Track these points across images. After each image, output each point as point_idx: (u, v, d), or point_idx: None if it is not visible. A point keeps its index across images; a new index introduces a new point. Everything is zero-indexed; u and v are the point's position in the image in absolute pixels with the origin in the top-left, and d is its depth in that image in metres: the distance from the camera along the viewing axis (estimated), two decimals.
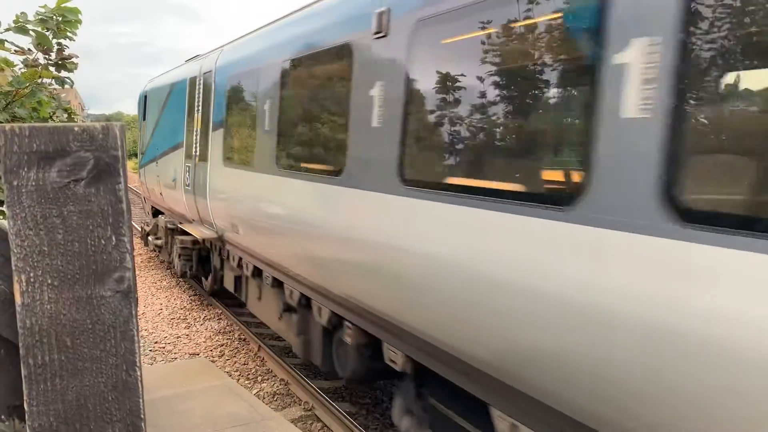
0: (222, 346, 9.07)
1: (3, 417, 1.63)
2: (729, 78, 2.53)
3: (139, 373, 1.55)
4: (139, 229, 16.13)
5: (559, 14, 3.20)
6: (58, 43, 6.89)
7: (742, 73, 2.49)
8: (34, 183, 1.47)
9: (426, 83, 4.29)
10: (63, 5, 6.34)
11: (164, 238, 12.41)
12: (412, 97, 4.39)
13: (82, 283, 1.50)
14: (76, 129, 1.49)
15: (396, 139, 4.47)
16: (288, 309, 7.10)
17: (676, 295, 2.50)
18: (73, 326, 1.50)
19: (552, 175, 3.24)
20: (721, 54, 2.50)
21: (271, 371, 8.15)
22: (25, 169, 1.46)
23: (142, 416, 1.55)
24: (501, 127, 3.70)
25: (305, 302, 6.49)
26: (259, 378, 7.96)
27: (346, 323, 5.59)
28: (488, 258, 3.53)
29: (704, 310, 2.40)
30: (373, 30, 4.84)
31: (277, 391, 7.55)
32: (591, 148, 2.92)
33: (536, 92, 3.42)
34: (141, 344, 8.58)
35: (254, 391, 7.44)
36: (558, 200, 3.10)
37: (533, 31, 3.35)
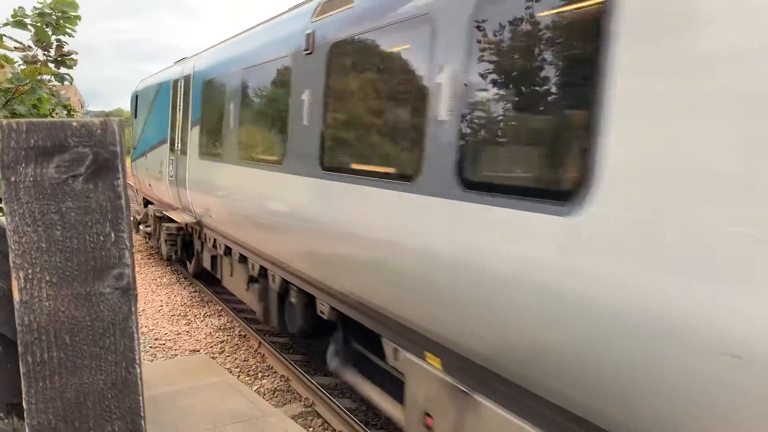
0: (222, 342, 9.06)
1: (2, 415, 1.62)
2: (489, 93, 3.72)
3: (138, 371, 1.53)
4: (132, 218, 16.46)
5: (406, 46, 4.57)
6: (57, 40, 6.85)
7: (493, 91, 3.70)
8: (31, 179, 1.45)
9: (335, 90, 5.58)
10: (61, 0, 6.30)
11: (153, 225, 13.49)
12: (327, 100, 5.64)
13: (81, 280, 1.49)
14: (74, 124, 1.48)
15: (318, 135, 5.72)
16: (252, 280, 8.18)
17: (464, 234, 3.77)
18: (72, 323, 1.48)
19: (402, 161, 4.52)
20: (483, 77, 3.73)
21: (272, 368, 8.14)
22: (23, 165, 1.45)
23: (142, 414, 1.54)
24: (373, 126, 5.06)
25: (264, 273, 7.69)
26: (260, 374, 7.95)
27: (292, 287, 6.89)
28: (369, 221, 4.85)
29: (475, 242, 3.66)
30: (303, 47, 6.08)
31: (278, 388, 7.54)
32: (421, 141, 4.21)
33: (392, 101, 4.80)
34: (141, 341, 8.57)
35: (255, 388, 7.44)
36: (405, 178, 4.39)
37: (390, 60, 4.83)
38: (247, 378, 7.81)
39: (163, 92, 12.55)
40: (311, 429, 6.59)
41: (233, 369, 8.06)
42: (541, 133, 3.35)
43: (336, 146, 5.57)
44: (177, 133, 11.20)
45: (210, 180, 9.20)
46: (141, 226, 14.92)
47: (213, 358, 8.37)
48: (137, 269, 13.64)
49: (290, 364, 7.86)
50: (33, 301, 1.46)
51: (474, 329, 3.77)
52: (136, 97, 16.04)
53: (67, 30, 6.74)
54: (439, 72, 4.02)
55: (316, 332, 7.09)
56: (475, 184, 3.69)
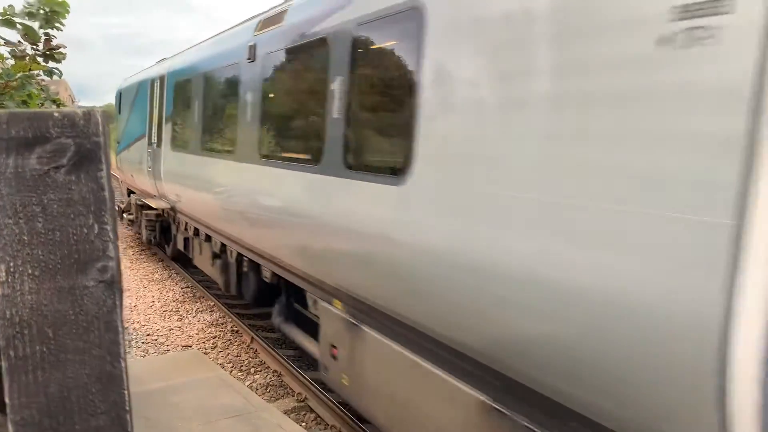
0: (215, 338, 9.03)
1: None
2: (358, 101, 5.13)
3: (123, 365, 1.51)
4: (116, 207, 16.95)
5: (315, 59, 5.90)
6: (46, 34, 6.79)
7: (360, 100, 5.15)
8: (12, 170, 1.43)
9: (268, 93, 7.01)
10: None
11: (135, 213, 14.67)
12: (263, 102, 7.01)
13: (64, 273, 1.46)
14: (56, 115, 1.45)
15: (257, 129, 7.07)
16: (215, 256, 9.32)
17: (345, 203, 5.13)
18: (55, 317, 1.46)
19: (311, 150, 5.84)
20: (356, 87, 5.13)
21: (264, 363, 8.12)
22: (3, 156, 1.42)
23: (128, 408, 1.52)
24: (292, 121, 6.56)
25: (224, 249, 8.92)
26: (252, 370, 7.93)
27: (244, 258, 8.17)
28: (289, 197, 6.22)
29: (350, 209, 5.04)
30: (247, 56, 7.47)
31: (270, 383, 7.53)
32: (323, 134, 5.47)
33: (305, 102, 6.26)
34: (133, 337, 8.52)
35: (247, 383, 7.42)
36: (312, 162, 5.66)
37: (304, 70, 6.32)
38: (239, 373, 7.79)
39: (142, 90, 13.74)
40: (304, 424, 6.58)
41: (226, 364, 8.03)
42: (386, 133, 4.92)
43: (269, 139, 6.96)
44: (154, 128, 12.47)
45: (179, 169, 10.66)
46: (125, 215, 16.06)
47: (205, 353, 8.34)
48: (129, 265, 13.58)
49: (283, 359, 7.84)
50: (15, 295, 1.43)
51: (355, 274, 5.12)
52: (120, 94, 17.26)
53: (56, 24, 6.68)
54: (333, 81, 5.36)
55: (264, 297, 8.25)
56: (353, 166, 5.06)
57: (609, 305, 2.84)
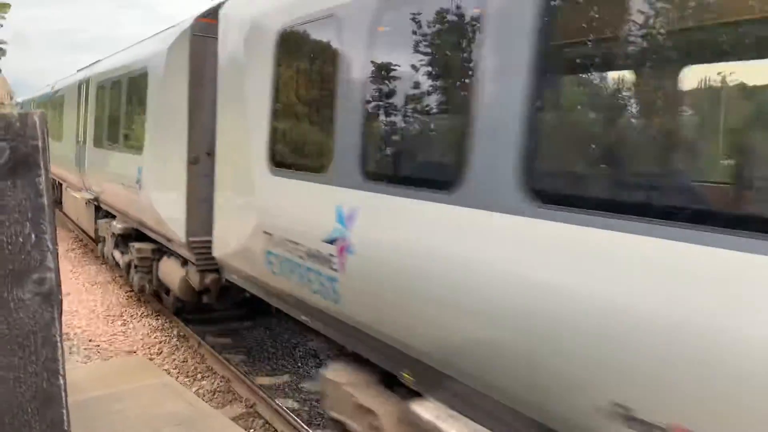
0: (160, 343, 8.80)
1: None
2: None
3: (62, 382, 1.43)
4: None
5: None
6: None
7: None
8: None
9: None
10: None
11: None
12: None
13: None
14: None
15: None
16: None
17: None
18: None
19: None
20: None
21: (212, 368, 7.96)
22: None
23: (66, 428, 1.43)
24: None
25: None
26: (199, 375, 7.76)
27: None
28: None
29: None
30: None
31: (218, 389, 7.38)
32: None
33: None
34: (75, 342, 8.22)
35: (194, 389, 7.25)
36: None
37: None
38: (186, 379, 7.61)
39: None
40: (252, 430, 6.47)
41: (172, 370, 7.83)
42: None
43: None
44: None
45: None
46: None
47: (151, 359, 8.12)
48: (71, 267, 13.13)
49: (231, 365, 7.70)
50: None
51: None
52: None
53: None
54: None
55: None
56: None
57: None
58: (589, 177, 3.23)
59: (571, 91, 3.61)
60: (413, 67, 4.08)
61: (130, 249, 9.89)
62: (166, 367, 7.91)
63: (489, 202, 3.29)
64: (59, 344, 1.40)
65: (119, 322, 9.67)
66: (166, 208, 8.04)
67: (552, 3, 3.05)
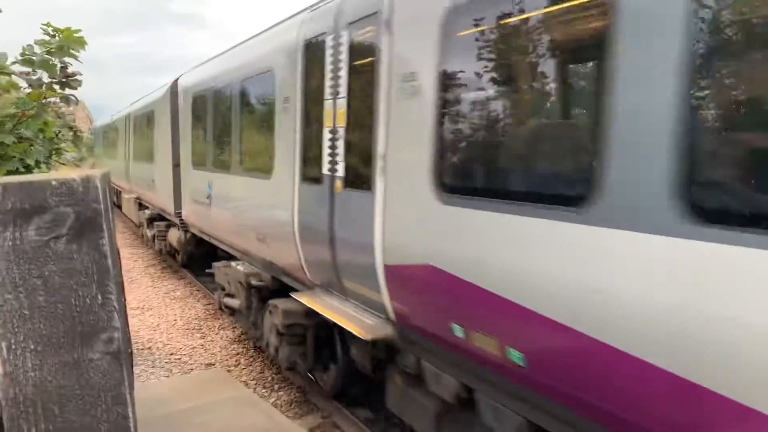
0: (238, 354, 9.01)
1: None
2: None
3: None
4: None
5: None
6: (62, 61, 6.85)
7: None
8: (10, 242, 1.37)
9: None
10: (68, 36, 6.39)
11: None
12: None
13: (68, 347, 1.40)
14: (53, 183, 1.39)
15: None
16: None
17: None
18: (60, 393, 1.40)
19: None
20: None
21: (288, 379, 8.08)
22: (1, 229, 1.37)
23: None
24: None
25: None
26: (276, 386, 7.89)
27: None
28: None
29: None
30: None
31: (294, 399, 7.48)
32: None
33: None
34: (157, 356, 8.52)
35: (271, 400, 7.37)
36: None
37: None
38: (263, 390, 7.75)
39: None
40: None
41: (249, 381, 8.00)
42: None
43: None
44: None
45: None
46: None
47: (229, 371, 8.31)
48: (151, 283, 13.64)
49: (306, 374, 7.79)
50: (17, 372, 1.38)
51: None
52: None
53: (72, 51, 6.77)
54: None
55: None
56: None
57: None
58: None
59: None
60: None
61: (154, 226, 15.53)
62: (243, 378, 8.09)
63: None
64: (130, 402, 1.42)
65: (198, 335, 9.96)
66: (164, 196, 13.41)
67: None
